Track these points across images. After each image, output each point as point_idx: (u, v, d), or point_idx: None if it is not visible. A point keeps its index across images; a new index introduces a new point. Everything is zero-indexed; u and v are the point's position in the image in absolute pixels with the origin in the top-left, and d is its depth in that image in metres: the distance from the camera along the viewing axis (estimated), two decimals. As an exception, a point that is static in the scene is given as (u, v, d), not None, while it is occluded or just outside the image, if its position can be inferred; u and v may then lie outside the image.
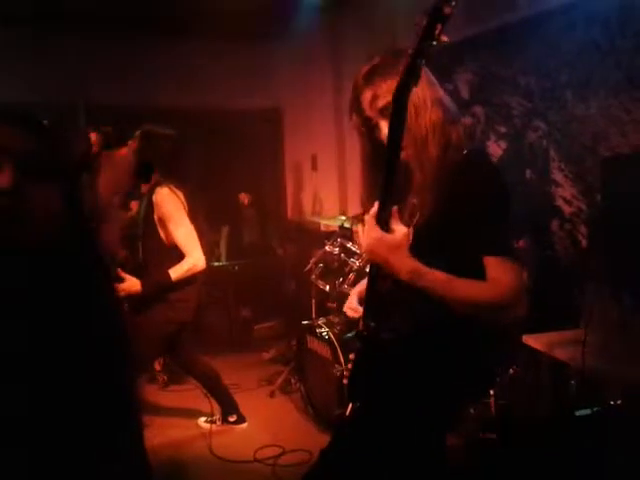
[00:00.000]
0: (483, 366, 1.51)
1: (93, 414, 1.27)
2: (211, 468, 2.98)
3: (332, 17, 5.08)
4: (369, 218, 1.34)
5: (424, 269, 1.29)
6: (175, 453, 3.11)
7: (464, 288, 1.30)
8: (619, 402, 1.94)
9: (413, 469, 1.49)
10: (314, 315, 3.81)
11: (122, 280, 2.78)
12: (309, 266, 3.80)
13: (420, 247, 1.34)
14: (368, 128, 1.45)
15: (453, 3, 1.13)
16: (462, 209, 1.31)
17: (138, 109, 4.67)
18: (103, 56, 4.85)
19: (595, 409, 2.01)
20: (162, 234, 2.89)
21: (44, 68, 4.76)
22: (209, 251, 3.04)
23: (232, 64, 5.48)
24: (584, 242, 2.95)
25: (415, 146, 1.34)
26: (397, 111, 1.21)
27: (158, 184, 2.90)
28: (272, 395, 3.85)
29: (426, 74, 1.34)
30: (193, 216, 2.99)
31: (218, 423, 3.35)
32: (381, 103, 1.38)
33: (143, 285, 2.80)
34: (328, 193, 5.46)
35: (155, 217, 2.87)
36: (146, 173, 2.84)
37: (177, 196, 2.93)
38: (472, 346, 1.44)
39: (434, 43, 1.15)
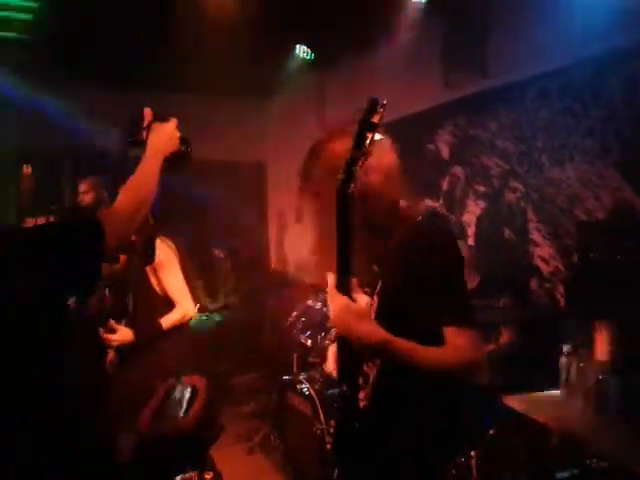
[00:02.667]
0: (457, 426, 1.51)
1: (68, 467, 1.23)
2: (186, 530, 2.89)
3: (318, 77, 5.26)
4: (330, 288, 1.34)
5: (390, 338, 1.30)
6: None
7: (427, 356, 1.31)
8: (598, 463, 1.94)
9: None
10: (295, 370, 3.78)
11: (114, 331, 2.77)
12: (291, 319, 3.80)
13: (382, 315, 1.37)
14: (322, 201, 1.48)
15: (381, 111, 1.22)
16: (418, 278, 1.34)
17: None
18: (91, 105, 4.92)
19: (575, 471, 2.01)
20: (154, 283, 2.89)
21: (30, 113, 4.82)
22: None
23: (222, 119, 5.62)
24: (562, 301, 3.01)
25: (372, 218, 1.39)
26: (340, 209, 1.28)
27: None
28: (251, 452, 3.76)
29: (380, 147, 1.38)
30: (183, 266, 3.01)
31: (194, 481, 3.26)
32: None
33: (135, 335, 2.79)
34: (313, 243, 5.50)
35: (148, 266, 2.88)
36: None
37: (168, 245, 2.95)
38: (443, 409, 1.45)
39: (366, 149, 1.24)
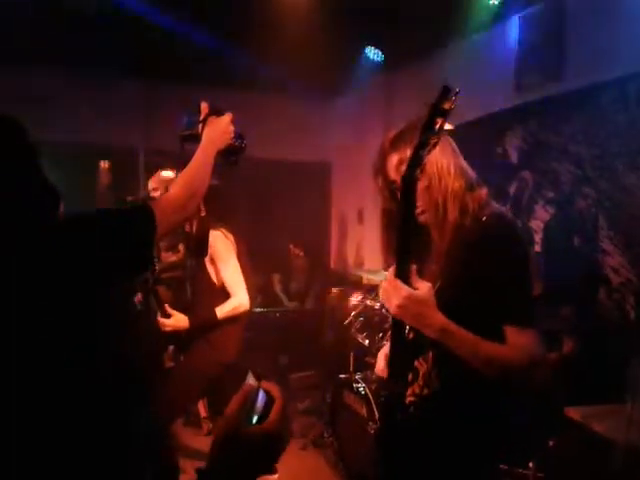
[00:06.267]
0: (512, 429, 1.48)
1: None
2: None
3: (386, 78, 5.26)
4: (391, 278, 1.34)
5: (454, 327, 1.30)
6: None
7: (488, 350, 1.30)
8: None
9: None
10: (352, 369, 3.79)
11: (169, 316, 2.87)
12: (349, 319, 3.82)
13: (442, 311, 1.35)
14: (391, 191, 1.51)
15: (453, 99, 1.20)
16: (481, 277, 1.33)
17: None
18: (165, 103, 5.12)
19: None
20: (212, 274, 2.97)
21: (108, 112, 5.07)
22: (251, 296, 3.09)
23: (288, 118, 5.72)
24: (632, 314, 2.88)
25: (435, 212, 1.39)
26: (405, 194, 1.27)
27: (212, 227, 3.00)
28: (304, 448, 3.81)
29: (447, 144, 1.42)
30: (241, 259, 3.08)
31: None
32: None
33: (190, 321, 2.88)
34: (372, 247, 5.51)
35: (207, 257, 2.96)
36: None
37: (228, 238, 3.03)
38: (498, 409, 1.43)
39: (435, 136, 1.22)
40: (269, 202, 5.96)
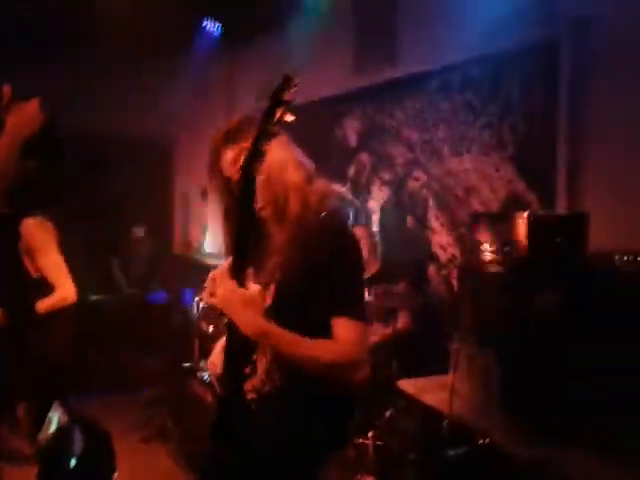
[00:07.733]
0: (340, 418, 1.51)
1: None
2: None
3: (228, 54, 5.12)
4: (223, 270, 1.34)
5: (271, 329, 1.30)
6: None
7: (308, 348, 1.31)
8: (486, 443, 2.04)
9: None
10: (196, 356, 3.70)
11: None
12: (193, 305, 3.71)
13: (280, 305, 1.36)
14: (228, 188, 1.46)
15: (292, 90, 1.20)
16: (316, 270, 1.34)
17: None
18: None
19: (464, 449, 2.10)
20: (28, 266, 2.73)
21: None
22: (84, 284, 2.87)
23: (130, 91, 5.34)
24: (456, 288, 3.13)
25: (275, 206, 1.37)
26: (244, 189, 1.26)
27: (23, 214, 2.73)
28: (147, 440, 3.64)
29: (283, 137, 1.39)
30: (63, 248, 2.85)
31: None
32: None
33: (5, 318, 2.64)
34: (216, 229, 5.39)
35: (20, 248, 2.69)
36: None
37: (45, 226, 2.79)
38: (337, 399, 1.45)
39: (275, 126, 1.21)
40: (107, 179, 5.57)
